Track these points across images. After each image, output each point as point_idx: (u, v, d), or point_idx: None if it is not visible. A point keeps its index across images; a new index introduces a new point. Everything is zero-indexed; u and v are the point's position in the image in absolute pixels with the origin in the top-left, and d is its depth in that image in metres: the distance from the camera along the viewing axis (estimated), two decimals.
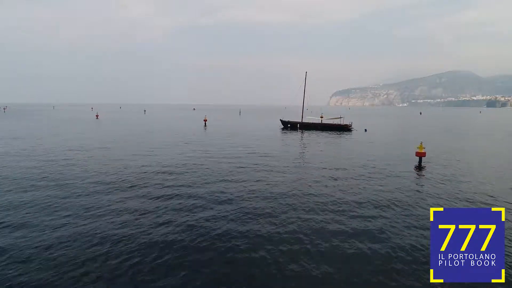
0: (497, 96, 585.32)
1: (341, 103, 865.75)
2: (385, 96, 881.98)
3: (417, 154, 17.47)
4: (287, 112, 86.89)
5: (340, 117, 40.38)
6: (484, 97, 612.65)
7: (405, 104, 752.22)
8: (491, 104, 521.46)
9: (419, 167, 16.87)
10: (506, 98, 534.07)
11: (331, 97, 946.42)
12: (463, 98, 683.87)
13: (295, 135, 34.02)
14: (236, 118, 72.72)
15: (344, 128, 38.44)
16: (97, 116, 62.83)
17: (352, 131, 37.70)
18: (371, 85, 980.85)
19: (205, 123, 47.52)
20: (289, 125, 41.82)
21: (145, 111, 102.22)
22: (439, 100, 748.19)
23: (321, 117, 61.99)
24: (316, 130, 39.06)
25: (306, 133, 36.13)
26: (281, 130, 39.74)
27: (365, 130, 37.24)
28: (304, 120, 42.56)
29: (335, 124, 39.62)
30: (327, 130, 38.32)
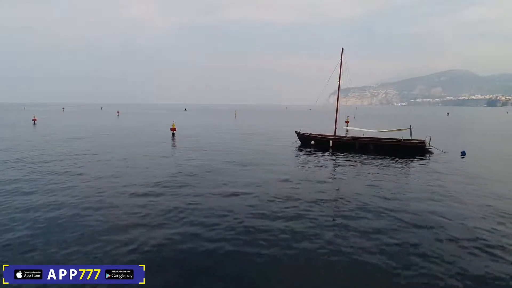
0: (497, 95, 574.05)
1: (340, 103, 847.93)
2: (384, 95, 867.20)
3: None
4: (286, 113, 70.20)
5: (409, 128, 22.75)
6: (483, 96, 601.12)
7: (403, 104, 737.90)
8: (491, 103, 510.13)
9: None
10: (507, 98, 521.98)
11: (330, 96, 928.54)
12: (463, 98, 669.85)
13: (325, 169, 17.07)
14: (229, 122, 55.81)
15: (417, 149, 21.26)
16: (34, 120, 46.49)
17: (430, 153, 20.73)
18: (369, 84, 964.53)
19: (173, 134, 30.55)
20: (313, 142, 24.52)
21: (118, 112, 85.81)
22: (438, 99, 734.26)
23: (347, 122, 44.90)
24: (361, 150, 22.01)
25: (344, 158, 19.38)
26: (296, 149, 22.92)
27: (463, 154, 19.94)
28: (340, 133, 25.12)
29: (402, 142, 22.21)
30: (385, 152, 21.20)
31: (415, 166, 17.89)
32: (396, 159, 19.46)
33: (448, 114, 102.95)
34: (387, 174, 15.51)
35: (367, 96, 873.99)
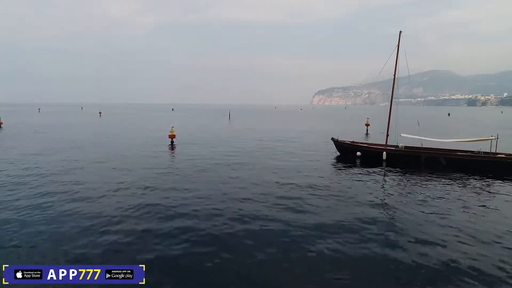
0: (477, 95, 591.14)
1: (324, 102, 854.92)
2: (367, 95, 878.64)
3: None
4: (279, 114, 65.46)
5: (491, 137, 17.36)
6: (463, 96, 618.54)
7: (387, 103, 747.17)
8: (471, 103, 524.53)
9: None
10: (486, 97, 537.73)
11: (314, 96, 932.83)
12: (443, 97, 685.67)
13: (402, 195, 11.69)
14: (225, 124, 50.17)
15: (508, 167, 16.00)
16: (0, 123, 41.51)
17: None
18: (353, 84, 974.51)
19: (172, 143, 24.43)
20: (359, 154, 19.01)
21: (100, 113, 79.37)
22: (419, 99, 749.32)
23: (367, 125, 39.07)
24: (428, 165, 16.71)
25: (400, 175, 14.31)
26: (341, 165, 17.49)
27: None
28: (392, 141, 19.50)
29: (487, 157, 16.69)
30: (460, 169, 15.91)
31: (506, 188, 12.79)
32: (489, 180, 14.24)
33: (449, 114, 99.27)
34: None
35: (351, 95, 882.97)
